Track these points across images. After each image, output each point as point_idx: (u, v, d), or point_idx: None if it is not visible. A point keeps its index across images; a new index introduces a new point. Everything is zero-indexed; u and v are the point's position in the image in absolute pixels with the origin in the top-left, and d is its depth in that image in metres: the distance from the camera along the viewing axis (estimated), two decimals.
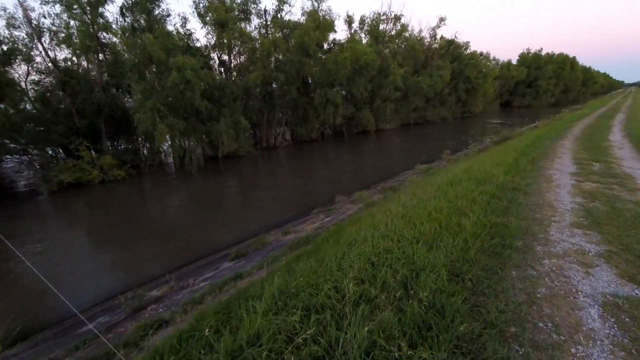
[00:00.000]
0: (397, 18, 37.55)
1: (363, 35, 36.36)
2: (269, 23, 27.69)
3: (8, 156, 17.96)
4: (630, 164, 8.56)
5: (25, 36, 18.30)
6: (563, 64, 75.68)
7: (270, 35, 26.21)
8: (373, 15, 36.55)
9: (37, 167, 17.76)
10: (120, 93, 21.01)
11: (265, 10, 27.30)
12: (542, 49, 74.07)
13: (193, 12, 23.85)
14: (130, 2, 20.51)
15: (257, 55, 24.52)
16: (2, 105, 16.56)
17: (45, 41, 18.94)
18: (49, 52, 18.90)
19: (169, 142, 21.24)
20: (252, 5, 25.94)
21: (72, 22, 19.51)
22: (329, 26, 28.05)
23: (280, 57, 26.41)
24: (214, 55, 25.40)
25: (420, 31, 44.67)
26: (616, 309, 2.78)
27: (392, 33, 37.55)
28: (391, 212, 5.36)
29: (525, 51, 74.01)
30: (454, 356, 2.25)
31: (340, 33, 44.22)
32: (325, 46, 30.36)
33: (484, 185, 6.25)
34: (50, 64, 18.75)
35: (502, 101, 69.47)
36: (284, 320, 2.66)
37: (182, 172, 19.36)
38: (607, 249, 3.85)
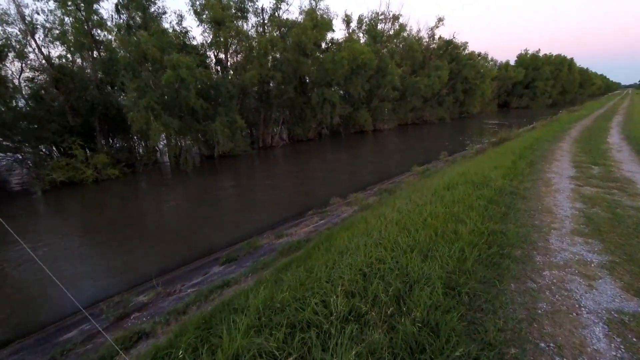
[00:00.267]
0: (396, 18, 37.55)
1: (361, 34, 36.27)
2: (266, 21, 27.44)
3: (1, 154, 17.65)
4: (629, 167, 8.42)
5: (18, 33, 18.01)
6: (561, 65, 75.93)
7: (267, 34, 25.95)
8: (371, 15, 36.58)
9: (30, 165, 17.47)
10: (114, 91, 20.72)
11: (262, 9, 27.10)
12: (539, 50, 74.50)
13: (189, 9, 23.68)
14: None
15: (254, 54, 24.24)
16: None
17: (39, 38, 18.69)
18: (43, 49, 18.64)
19: (165, 141, 21.02)
20: (249, 4, 25.68)
21: (66, 19, 19.29)
22: (327, 25, 27.81)
23: (277, 56, 26.12)
24: (211, 54, 25.16)
25: (419, 31, 44.75)
26: (622, 328, 2.59)
27: (390, 33, 37.47)
28: (385, 217, 5.18)
29: (523, 52, 74.19)
30: None
31: (338, 32, 44.23)
32: (323, 45, 30.14)
33: (481, 190, 6.08)
34: (43, 61, 18.49)
35: (499, 102, 69.59)
36: (266, 340, 2.46)
37: (177, 172, 19.09)
38: (610, 259, 3.68)
